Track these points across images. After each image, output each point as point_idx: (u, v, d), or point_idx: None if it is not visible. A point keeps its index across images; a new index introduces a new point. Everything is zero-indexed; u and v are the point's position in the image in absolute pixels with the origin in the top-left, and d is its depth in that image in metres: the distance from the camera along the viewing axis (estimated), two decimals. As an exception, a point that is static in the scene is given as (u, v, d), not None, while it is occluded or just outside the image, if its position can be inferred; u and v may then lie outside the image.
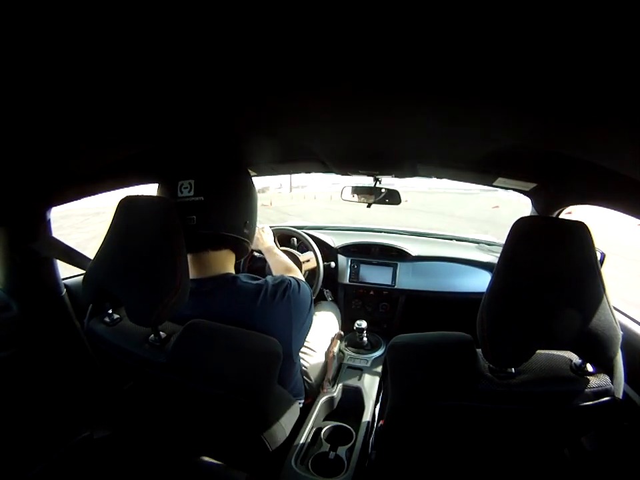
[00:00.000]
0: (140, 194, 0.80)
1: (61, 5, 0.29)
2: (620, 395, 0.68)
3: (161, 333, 0.76)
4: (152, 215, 0.75)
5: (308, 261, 1.73)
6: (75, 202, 1.05)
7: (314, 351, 1.39)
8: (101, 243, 0.79)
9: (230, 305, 0.82)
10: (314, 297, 1.64)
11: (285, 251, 1.69)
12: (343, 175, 1.56)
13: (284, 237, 1.86)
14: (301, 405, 1.07)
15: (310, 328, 0.96)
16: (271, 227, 1.93)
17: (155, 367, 0.73)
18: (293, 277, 0.93)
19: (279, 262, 1.32)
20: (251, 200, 0.94)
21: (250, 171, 1.44)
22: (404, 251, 1.84)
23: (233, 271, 0.93)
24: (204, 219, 0.85)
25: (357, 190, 1.59)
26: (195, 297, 0.81)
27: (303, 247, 1.79)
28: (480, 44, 0.35)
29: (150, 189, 0.94)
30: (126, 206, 0.78)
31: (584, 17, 0.28)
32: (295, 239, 1.84)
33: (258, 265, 1.76)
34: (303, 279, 1.05)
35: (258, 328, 0.78)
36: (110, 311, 0.82)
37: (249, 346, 0.73)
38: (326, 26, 0.34)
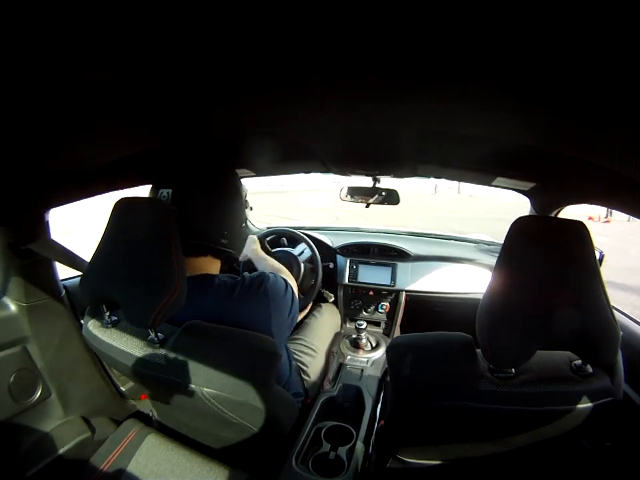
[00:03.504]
0: (136, 195, 0.80)
1: (58, 4, 0.29)
2: (620, 395, 0.68)
3: (159, 334, 0.75)
4: (149, 217, 0.75)
5: (302, 252, 1.73)
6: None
7: (314, 351, 1.39)
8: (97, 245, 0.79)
9: (208, 302, 0.83)
10: (313, 298, 1.65)
11: (281, 252, 1.69)
12: (342, 174, 1.56)
13: (285, 238, 1.85)
14: (300, 405, 1.07)
15: (294, 320, 0.96)
16: (268, 227, 1.93)
17: (153, 368, 0.73)
18: (273, 273, 0.93)
19: (268, 266, 1.30)
20: (233, 209, 0.94)
21: (248, 171, 1.44)
22: (403, 250, 1.84)
23: (213, 272, 0.93)
24: (180, 228, 0.83)
25: (356, 190, 1.59)
26: None
27: (293, 242, 1.80)
28: (482, 43, 0.35)
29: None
30: (122, 208, 0.78)
31: (585, 17, 0.28)
32: (285, 239, 1.83)
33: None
34: (292, 279, 1.07)
35: (235, 321, 0.78)
36: (108, 313, 0.81)
37: (246, 346, 0.73)
38: (324, 24, 0.34)
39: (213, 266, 0.94)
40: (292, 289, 0.97)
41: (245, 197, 1.00)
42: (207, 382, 0.70)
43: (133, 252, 0.74)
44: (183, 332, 0.72)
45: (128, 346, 0.76)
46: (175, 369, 0.71)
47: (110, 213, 0.78)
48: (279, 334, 0.88)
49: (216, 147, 0.99)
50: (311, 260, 1.71)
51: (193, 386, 0.70)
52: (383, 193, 1.51)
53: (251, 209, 1.06)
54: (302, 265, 1.65)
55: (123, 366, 0.79)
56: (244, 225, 0.99)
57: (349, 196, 1.64)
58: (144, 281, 0.71)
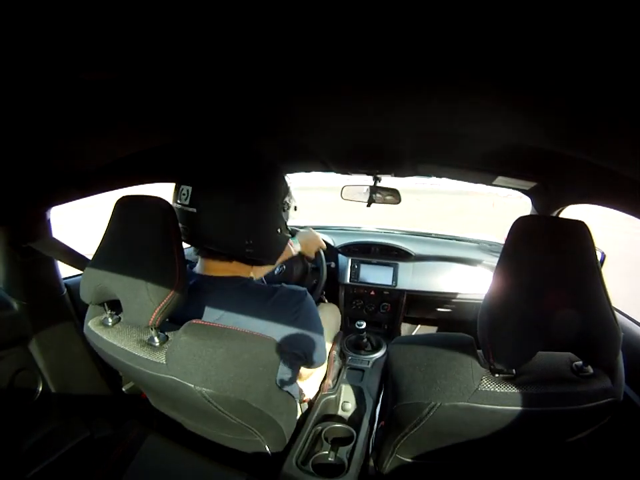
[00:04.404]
0: (138, 194, 0.80)
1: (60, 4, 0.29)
2: (620, 395, 0.68)
3: (160, 333, 0.75)
4: (150, 215, 0.75)
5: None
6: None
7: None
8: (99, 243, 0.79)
9: (239, 304, 0.80)
10: (316, 299, 1.64)
11: None
12: (343, 174, 1.55)
13: None
14: (300, 406, 1.07)
15: (320, 343, 0.92)
16: None
17: (153, 367, 0.73)
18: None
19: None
20: (262, 214, 0.84)
21: None
22: (405, 250, 1.84)
23: (246, 276, 0.88)
24: (195, 232, 0.80)
25: (357, 189, 1.59)
26: (198, 294, 0.81)
27: None
28: (482, 43, 0.35)
29: (150, 189, 0.94)
30: (123, 206, 0.78)
31: (586, 17, 0.28)
32: None
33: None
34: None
35: (264, 327, 0.77)
36: (109, 311, 0.82)
37: (246, 346, 0.73)
38: (327, 26, 0.34)
39: (241, 269, 0.88)
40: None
41: (285, 196, 0.90)
42: (206, 382, 0.70)
43: (134, 250, 0.74)
44: (183, 331, 0.72)
45: (129, 345, 0.76)
46: (174, 368, 0.70)
47: (112, 211, 0.79)
48: (303, 346, 0.86)
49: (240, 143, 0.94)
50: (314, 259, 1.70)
51: (192, 385, 0.70)
52: (384, 192, 1.51)
53: (295, 208, 0.95)
54: (308, 264, 1.64)
55: (123, 365, 0.79)
56: (279, 230, 0.87)
57: (350, 195, 1.65)
58: (144, 280, 0.71)
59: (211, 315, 0.80)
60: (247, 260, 0.86)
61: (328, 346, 1.50)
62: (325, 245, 1.52)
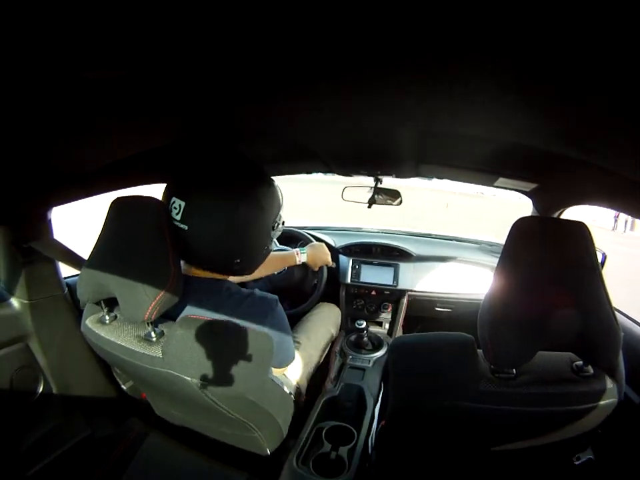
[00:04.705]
0: (132, 195, 0.82)
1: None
2: (621, 395, 0.68)
3: (156, 328, 0.77)
4: (144, 215, 0.77)
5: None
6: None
7: (314, 349, 1.38)
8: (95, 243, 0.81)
9: (216, 306, 0.82)
10: (317, 299, 1.65)
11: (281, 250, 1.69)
12: (344, 175, 1.56)
13: (286, 238, 1.85)
14: (301, 406, 1.07)
15: (285, 347, 0.92)
16: None
17: (151, 361, 0.74)
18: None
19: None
20: (254, 235, 0.85)
21: None
22: (405, 251, 1.84)
23: (225, 279, 0.91)
24: (182, 249, 0.81)
25: (358, 190, 1.60)
26: (185, 295, 0.83)
27: (295, 242, 1.80)
28: (483, 43, 0.35)
29: (149, 190, 0.94)
30: (118, 207, 0.80)
31: (587, 18, 0.28)
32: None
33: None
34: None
35: None
36: (106, 309, 0.83)
37: (240, 340, 0.74)
38: (325, 24, 0.34)
39: (221, 275, 0.90)
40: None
41: (277, 214, 0.90)
42: (202, 375, 0.71)
43: (129, 248, 0.76)
44: (179, 325, 0.73)
45: (126, 340, 0.77)
46: (171, 361, 0.71)
47: (107, 212, 0.80)
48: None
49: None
50: None
51: (188, 379, 0.71)
52: (386, 193, 1.52)
53: (283, 223, 0.96)
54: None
55: (121, 361, 0.80)
56: (266, 247, 0.90)
57: (351, 196, 1.65)
58: (140, 276, 0.73)
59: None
60: (229, 273, 0.90)
61: (321, 344, 1.49)
62: (331, 262, 1.55)
